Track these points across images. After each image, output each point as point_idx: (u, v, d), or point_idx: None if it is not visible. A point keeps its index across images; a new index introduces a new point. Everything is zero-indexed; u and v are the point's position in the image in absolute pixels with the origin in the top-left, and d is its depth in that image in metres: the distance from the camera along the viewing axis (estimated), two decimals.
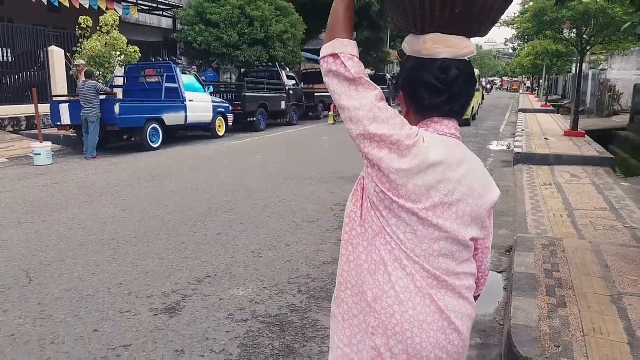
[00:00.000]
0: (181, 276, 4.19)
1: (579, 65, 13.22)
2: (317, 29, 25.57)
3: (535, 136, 12.90)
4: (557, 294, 3.57)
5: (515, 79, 67.08)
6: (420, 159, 1.23)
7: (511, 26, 14.63)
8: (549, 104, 26.80)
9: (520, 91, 55.71)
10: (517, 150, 10.21)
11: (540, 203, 6.84)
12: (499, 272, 4.55)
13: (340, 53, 1.25)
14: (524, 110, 23.31)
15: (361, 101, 1.23)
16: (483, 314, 3.69)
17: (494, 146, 13.14)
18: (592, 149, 10.99)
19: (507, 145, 13.22)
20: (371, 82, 1.26)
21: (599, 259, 4.28)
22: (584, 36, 12.37)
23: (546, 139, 12.39)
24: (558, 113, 22.65)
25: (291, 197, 7.05)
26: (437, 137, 1.29)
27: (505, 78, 76.44)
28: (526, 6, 13.19)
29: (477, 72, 15.96)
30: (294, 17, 18.24)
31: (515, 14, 15.81)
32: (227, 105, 14.32)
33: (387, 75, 31.05)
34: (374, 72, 27.80)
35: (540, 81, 40.58)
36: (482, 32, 1.31)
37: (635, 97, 15.60)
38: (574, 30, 11.94)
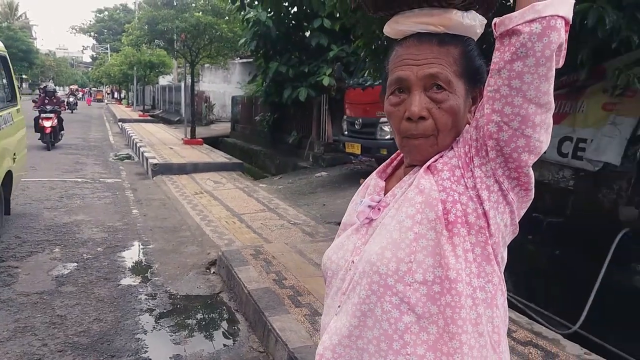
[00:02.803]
0: None
1: (191, 76, 13.82)
2: None
3: (158, 146, 12.80)
4: (303, 303, 3.52)
5: (99, 89, 65.19)
6: None
7: (124, 33, 14.02)
8: (146, 113, 27.14)
9: (106, 101, 54.52)
10: (152, 161, 9.84)
11: (205, 212, 6.76)
12: (217, 294, 4.19)
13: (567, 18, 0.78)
14: (124, 120, 22.83)
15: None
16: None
17: (115, 158, 12.30)
18: (219, 155, 11.75)
19: (127, 156, 12.61)
20: None
21: (306, 258, 4.50)
22: (193, 48, 13.00)
23: (171, 148, 12.48)
24: (159, 122, 23.26)
25: None
26: None
27: (85, 88, 72.80)
28: (139, 14, 12.91)
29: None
30: None
31: (90, 20, 15.41)
32: None
33: None
34: None
35: (130, 92, 40.95)
36: None
37: (233, 107, 17.65)
38: (187, 42, 12.37)
